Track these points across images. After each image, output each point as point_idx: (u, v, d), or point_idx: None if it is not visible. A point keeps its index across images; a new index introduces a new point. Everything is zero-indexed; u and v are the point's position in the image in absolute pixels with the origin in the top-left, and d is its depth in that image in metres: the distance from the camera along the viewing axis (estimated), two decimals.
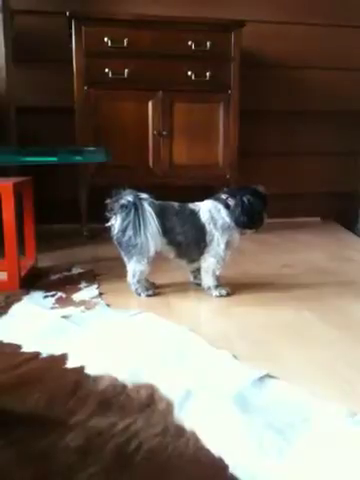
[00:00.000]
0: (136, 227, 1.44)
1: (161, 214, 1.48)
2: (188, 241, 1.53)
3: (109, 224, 1.50)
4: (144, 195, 1.49)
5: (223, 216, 1.53)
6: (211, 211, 1.54)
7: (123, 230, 1.46)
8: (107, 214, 1.50)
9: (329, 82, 2.91)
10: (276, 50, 2.79)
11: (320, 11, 2.82)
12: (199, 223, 1.53)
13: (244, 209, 1.51)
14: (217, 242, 1.54)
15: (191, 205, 1.56)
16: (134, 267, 1.52)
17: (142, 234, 1.44)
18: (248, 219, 1.52)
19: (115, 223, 1.48)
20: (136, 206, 1.45)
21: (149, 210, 1.46)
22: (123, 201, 1.46)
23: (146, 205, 1.46)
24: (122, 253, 1.53)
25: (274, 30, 2.77)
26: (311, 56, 2.86)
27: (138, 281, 1.54)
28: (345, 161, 2.94)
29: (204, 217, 1.53)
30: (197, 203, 1.57)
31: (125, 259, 1.54)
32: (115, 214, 1.48)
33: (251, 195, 1.54)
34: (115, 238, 1.50)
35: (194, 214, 1.53)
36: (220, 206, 1.54)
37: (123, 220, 1.46)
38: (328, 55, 2.88)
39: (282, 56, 2.81)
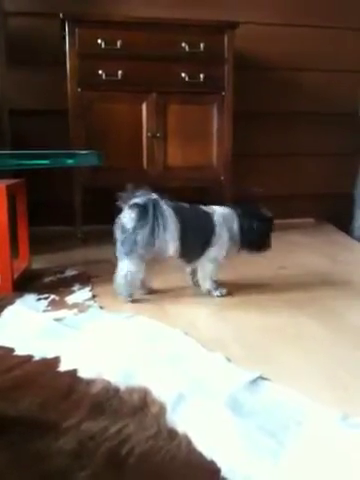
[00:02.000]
0: (155, 228, 1.40)
1: (177, 215, 1.45)
2: (195, 242, 1.52)
3: (120, 219, 1.45)
4: (156, 195, 1.45)
5: (235, 227, 1.55)
6: (225, 216, 1.55)
7: (137, 228, 1.41)
8: (118, 207, 1.44)
9: (323, 84, 2.92)
10: (269, 52, 2.80)
11: (314, 13, 2.83)
12: (211, 224, 1.52)
13: (256, 235, 1.55)
14: (221, 245, 1.54)
15: (205, 207, 1.56)
16: (129, 267, 1.47)
17: (161, 236, 1.41)
18: (256, 245, 1.57)
19: (128, 219, 1.43)
20: (155, 207, 1.41)
21: (169, 211, 1.43)
22: (139, 201, 1.42)
23: (165, 206, 1.43)
24: (120, 249, 1.47)
25: (267, 32, 2.77)
26: (304, 58, 2.86)
27: (128, 283, 1.49)
28: (339, 162, 2.94)
29: (218, 219, 1.53)
30: (211, 206, 1.58)
31: (120, 256, 1.48)
32: (129, 209, 1.43)
33: (260, 221, 1.56)
34: (124, 235, 1.44)
35: (207, 215, 1.53)
36: (235, 216, 1.56)
37: (139, 218, 1.41)
38: (321, 57, 2.89)
39: (275, 58, 2.82)
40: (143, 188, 1.45)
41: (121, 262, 1.49)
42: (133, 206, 1.42)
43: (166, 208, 1.43)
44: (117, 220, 1.46)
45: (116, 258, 1.50)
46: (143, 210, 1.41)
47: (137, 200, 1.42)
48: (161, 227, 1.41)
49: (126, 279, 1.49)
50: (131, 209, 1.43)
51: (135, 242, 1.43)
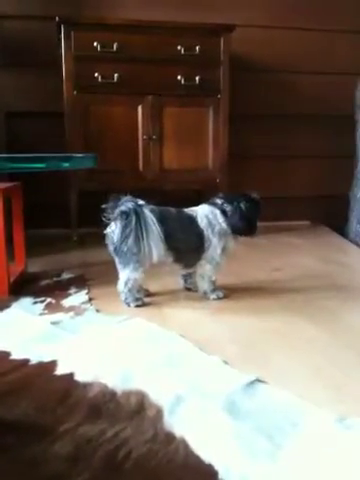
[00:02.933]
0: (138, 235, 1.41)
1: (161, 220, 1.45)
2: (187, 247, 1.52)
3: (107, 231, 1.47)
4: (142, 201, 1.46)
5: (220, 222, 1.54)
6: (208, 216, 1.54)
7: (123, 238, 1.42)
8: (104, 220, 1.46)
9: (318, 86, 2.93)
10: (265, 54, 2.81)
11: (309, 16, 2.85)
12: (198, 229, 1.52)
13: (242, 216, 1.53)
14: (214, 248, 1.54)
15: (188, 210, 1.56)
16: (128, 275, 1.48)
17: (145, 242, 1.42)
18: (245, 226, 1.54)
19: (114, 230, 1.44)
20: (137, 213, 1.41)
21: (151, 217, 1.43)
22: (123, 208, 1.42)
23: (147, 212, 1.44)
24: (118, 260, 1.49)
25: (263, 35, 2.79)
26: (300, 60, 2.88)
27: (129, 290, 1.50)
28: (334, 164, 2.96)
29: (202, 223, 1.53)
30: (193, 208, 1.57)
31: (119, 267, 1.50)
32: (114, 221, 1.44)
33: (246, 201, 1.55)
34: (114, 246, 1.46)
35: (192, 219, 1.53)
36: (217, 211, 1.55)
37: (124, 227, 1.42)
38: (316, 59, 2.90)
39: (271, 60, 2.83)
40: (127, 196, 1.46)
41: (122, 272, 1.51)
42: (117, 217, 1.44)
43: (148, 214, 1.43)
44: (106, 234, 1.48)
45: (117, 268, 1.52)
46: (126, 219, 1.42)
47: (121, 208, 1.43)
48: (144, 233, 1.41)
49: (126, 287, 1.50)
50: (115, 221, 1.44)
51: (126, 252, 1.44)
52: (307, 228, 2.92)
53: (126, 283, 1.50)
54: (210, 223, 1.53)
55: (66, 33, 2.24)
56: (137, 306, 1.51)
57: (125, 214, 1.42)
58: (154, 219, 1.43)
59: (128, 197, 1.45)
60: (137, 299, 1.53)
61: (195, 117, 2.43)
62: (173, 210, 1.54)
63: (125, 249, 1.43)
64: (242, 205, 1.53)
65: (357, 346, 1.24)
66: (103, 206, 1.46)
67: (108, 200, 1.46)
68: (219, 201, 1.57)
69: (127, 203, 1.43)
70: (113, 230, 1.45)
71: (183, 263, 1.56)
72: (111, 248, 1.48)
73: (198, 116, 2.44)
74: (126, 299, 1.52)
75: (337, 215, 2.71)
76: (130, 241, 1.42)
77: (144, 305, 1.53)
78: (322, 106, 2.94)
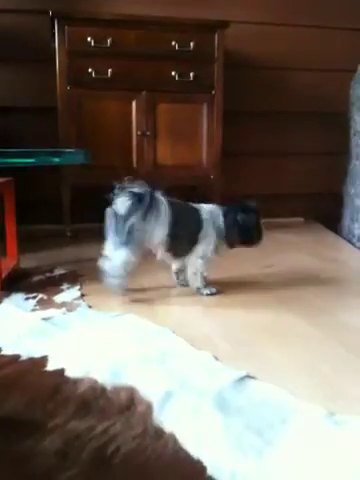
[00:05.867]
0: (147, 215, 1.43)
1: (170, 206, 1.48)
2: (183, 234, 1.53)
3: (112, 207, 1.45)
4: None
5: (220, 222, 1.56)
6: (212, 213, 1.57)
7: (130, 213, 1.42)
8: (111, 197, 1.45)
9: (312, 83, 2.93)
10: (260, 51, 2.81)
11: (303, 12, 2.85)
12: (199, 219, 1.55)
13: (239, 229, 1.56)
14: (208, 241, 1.55)
15: (193, 204, 1.59)
16: (124, 257, 1.46)
17: (152, 223, 1.44)
18: (243, 237, 1.57)
19: (124, 203, 1.43)
20: (152, 195, 1.44)
21: (164, 202, 1.46)
22: (137, 190, 1.45)
23: (160, 196, 1.47)
24: (113, 239, 1.46)
25: (258, 31, 2.79)
26: (294, 57, 2.88)
27: (126, 273, 1.48)
28: (328, 162, 2.96)
29: (205, 215, 1.56)
30: (199, 204, 1.60)
31: (113, 246, 1.47)
32: (123, 197, 1.44)
33: (243, 212, 1.57)
34: (116, 223, 1.44)
35: (195, 211, 1.56)
36: (219, 212, 1.58)
37: (133, 205, 1.42)
38: (310, 56, 2.90)
39: (265, 57, 2.83)
40: (141, 181, 1.48)
41: (117, 252, 1.46)
42: (129, 194, 1.44)
43: (161, 199, 1.46)
44: (109, 208, 1.46)
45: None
46: (138, 199, 1.43)
47: (134, 189, 1.45)
48: (154, 214, 1.44)
49: (121, 269, 1.47)
50: (126, 196, 1.44)
51: (128, 229, 1.43)
52: (301, 225, 2.93)
53: (124, 266, 1.47)
54: (212, 218, 1.56)
55: (60, 28, 2.23)
56: (123, 294, 1.52)
57: (137, 195, 1.44)
58: (166, 204, 1.46)
59: (142, 181, 1.47)
60: (124, 286, 1.52)
61: (189, 113, 2.43)
62: (177, 201, 1.56)
63: (129, 225, 1.42)
64: (239, 218, 1.56)
65: (348, 342, 1.24)
66: (116, 184, 1.45)
67: (118, 183, 1.46)
68: (223, 207, 1.60)
69: (142, 187, 1.46)
70: (122, 205, 1.44)
71: (173, 252, 1.56)
72: (112, 223, 1.45)
73: (192, 112, 2.43)
74: (113, 284, 1.50)
75: (330, 212, 2.71)
76: (136, 219, 1.42)
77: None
78: (316, 103, 2.94)
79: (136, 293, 1.59)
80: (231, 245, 1.60)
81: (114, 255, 1.47)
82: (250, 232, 1.58)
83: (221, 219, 1.57)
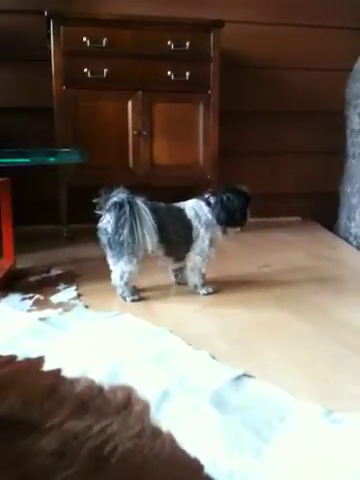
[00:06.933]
0: (132, 224, 1.41)
1: (153, 211, 1.46)
2: (177, 238, 1.53)
3: (100, 224, 1.46)
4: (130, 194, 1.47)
5: (205, 213, 1.55)
6: (195, 208, 1.56)
7: (118, 228, 1.42)
8: (96, 213, 1.46)
9: (309, 82, 2.93)
10: (255, 50, 2.81)
11: (300, 12, 2.84)
12: (186, 219, 1.54)
13: (223, 206, 1.54)
14: (202, 238, 1.55)
15: (176, 204, 1.58)
16: (123, 268, 1.48)
17: (139, 231, 1.42)
18: (228, 216, 1.55)
19: (109, 221, 1.44)
20: (130, 203, 1.42)
21: (144, 207, 1.44)
22: (116, 199, 1.43)
23: (140, 202, 1.44)
24: (111, 253, 1.49)
25: (254, 30, 2.78)
26: (290, 56, 2.88)
27: (126, 283, 1.50)
28: (325, 161, 2.96)
29: (190, 214, 1.55)
30: (181, 202, 1.59)
31: (112, 260, 1.50)
32: (108, 212, 1.44)
33: (231, 193, 1.56)
34: (108, 238, 1.45)
35: (181, 211, 1.55)
36: (202, 203, 1.57)
37: (117, 218, 1.41)
38: (307, 56, 2.90)
39: (261, 56, 2.83)
40: (120, 188, 1.46)
41: (115, 266, 1.50)
42: (110, 208, 1.44)
43: (141, 204, 1.44)
44: (98, 226, 1.48)
45: (108, 263, 1.52)
46: (120, 209, 1.42)
47: (114, 199, 1.43)
48: (138, 222, 1.42)
49: (123, 280, 1.50)
50: (109, 212, 1.44)
51: (119, 242, 1.44)
52: (298, 224, 2.93)
53: (122, 277, 1.50)
54: (197, 214, 1.55)
55: (55, 28, 2.22)
56: (133, 301, 1.51)
57: (119, 205, 1.42)
58: (147, 210, 1.44)
59: (120, 188, 1.46)
60: (133, 293, 1.53)
61: (185, 113, 2.42)
62: (162, 203, 1.55)
63: (120, 239, 1.43)
64: (224, 196, 1.55)
65: (345, 340, 1.25)
66: (95, 200, 1.45)
67: (100, 194, 1.45)
68: (206, 195, 1.59)
69: (120, 194, 1.44)
70: (108, 220, 1.44)
71: (174, 256, 1.58)
72: (104, 240, 1.47)
73: (188, 112, 2.43)
74: (123, 293, 1.51)
75: (327, 211, 2.72)
76: (125, 231, 1.41)
77: (141, 300, 1.53)
78: (312, 102, 2.94)
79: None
80: (223, 229, 1.58)
81: (115, 269, 1.51)
82: (235, 213, 1.55)
83: (206, 210, 1.55)
